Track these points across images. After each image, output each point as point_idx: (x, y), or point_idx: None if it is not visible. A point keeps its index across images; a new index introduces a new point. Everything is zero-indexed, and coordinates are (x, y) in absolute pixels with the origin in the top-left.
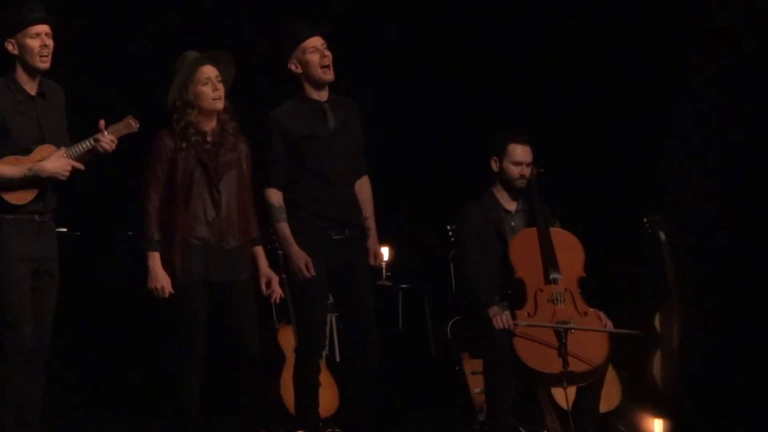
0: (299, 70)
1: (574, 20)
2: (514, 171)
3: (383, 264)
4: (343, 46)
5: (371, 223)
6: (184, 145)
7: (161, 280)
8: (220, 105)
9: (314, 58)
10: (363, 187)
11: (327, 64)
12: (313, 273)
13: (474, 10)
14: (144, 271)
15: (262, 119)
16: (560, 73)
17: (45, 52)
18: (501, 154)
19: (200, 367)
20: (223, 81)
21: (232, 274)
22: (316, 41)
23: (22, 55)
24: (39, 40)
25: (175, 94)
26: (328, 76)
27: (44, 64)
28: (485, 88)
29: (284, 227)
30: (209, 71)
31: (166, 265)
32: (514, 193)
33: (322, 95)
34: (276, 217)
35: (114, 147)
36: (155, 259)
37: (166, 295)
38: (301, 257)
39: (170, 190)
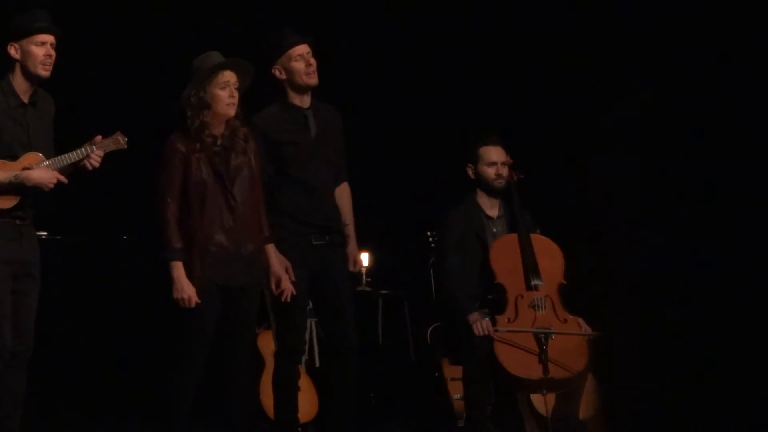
0: (283, 77)
1: (556, 26)
2: (490, 172)
3: (363, 270)
4: (324, 53)
5: (351, 229)
6: (198, 146)
7: (187, 290)
8: (232, 111)
9: (299, 66)
10: (343, 194)
11: (312, 72)
12: (293, 278)
13: (454, 16)
14: (168, 280)
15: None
16: (541, 78)
17: (48, 61)
18: (474, 159)
19: (200, 376)
20: (239, 88)
21: (249, 279)
22: (302, 49)
23: (25, 60)
24: (44, 49)
25: (190, 92)
26: (313, 80)
27: (46, 72)
28: (466, 95)
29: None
30: (229, 76)
31: (186, 273)
32: (494, 197)
33: (305, 101)
34: None
35: (99, 164)
36: (179, 269)
37: (192, 305)
38: (281, 261)
39: (184, 197)
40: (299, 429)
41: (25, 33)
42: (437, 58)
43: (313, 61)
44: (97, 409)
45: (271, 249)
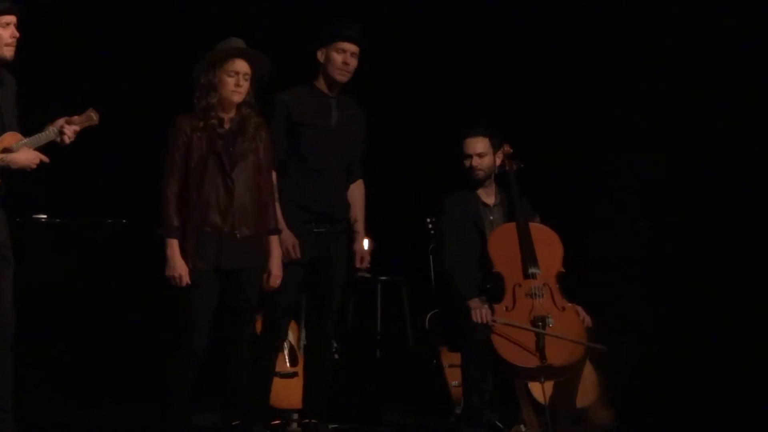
0: (322, 62)
1: (558, 17)
2: (465, 164)
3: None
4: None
5: (360, 226)
6: (201, 125)
7: (179, 268)
8: (237, 98)
9: (338, 59)
10: (357, 191)
11: (345, 72)
12: (299, 256)
13: (457, 3)
14: (161, 257)
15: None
16: (542, 67)
17: (14, 42)
18: (460, 151)
19: (198, 361)
20: (253, 80)
21: (244, 263)
22: (350, 47)
23: None
24: (9, 30)
25: (201, 71)
26: (342, 77)
27: (11, 52)
28: (467, 82)
29: (276, 206)
30: (240, 66)
31: (180, 252)
32: (488, 185)
33: (332, 91)
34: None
35: (73, 139)
36: (174, 247)
37: (184, 284)
38: (288, 238)
39: (184, 175)
40: (294, 414)
41: None
42: (438, 44)
43: (352, 62)
44: (94, 392)
45: (274, 241)
